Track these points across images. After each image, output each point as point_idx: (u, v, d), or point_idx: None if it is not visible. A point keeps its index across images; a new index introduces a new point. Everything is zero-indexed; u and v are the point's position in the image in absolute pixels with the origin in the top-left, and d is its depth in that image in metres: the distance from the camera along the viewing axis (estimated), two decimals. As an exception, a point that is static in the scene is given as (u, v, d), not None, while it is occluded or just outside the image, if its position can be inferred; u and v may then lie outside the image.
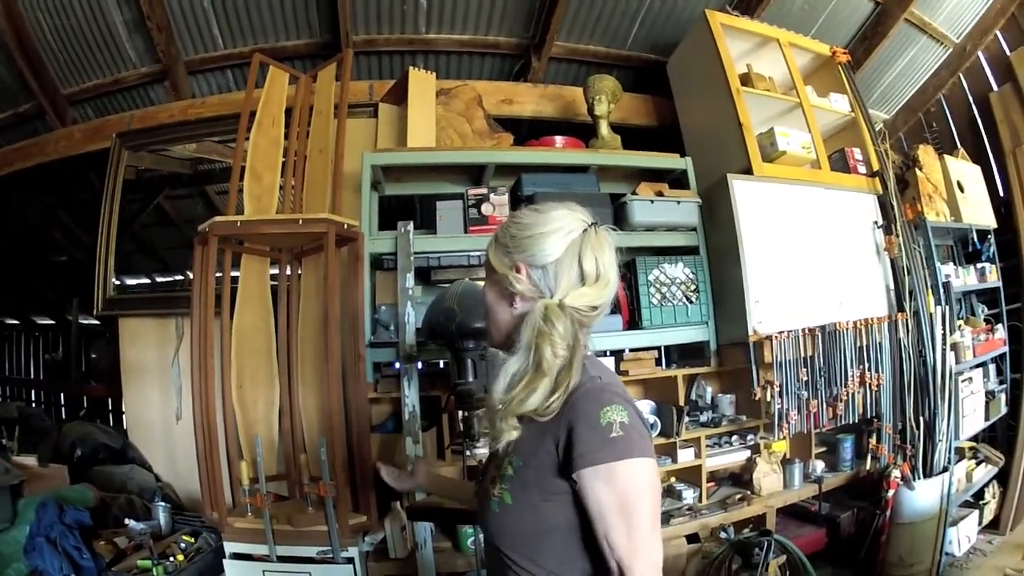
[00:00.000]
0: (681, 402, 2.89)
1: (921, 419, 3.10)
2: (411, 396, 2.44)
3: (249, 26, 3.47)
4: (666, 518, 2.75)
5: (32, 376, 7.16)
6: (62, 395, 6.25)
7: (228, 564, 2.36)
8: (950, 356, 3.22)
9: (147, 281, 3.91)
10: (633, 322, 2.90)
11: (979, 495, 3.54)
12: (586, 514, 0.95)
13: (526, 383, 0.98)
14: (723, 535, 2.73)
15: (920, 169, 3.59)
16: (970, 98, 4.28)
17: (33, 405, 6.13)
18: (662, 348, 3.05)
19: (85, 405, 5.48)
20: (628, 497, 0.92)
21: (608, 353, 2.85)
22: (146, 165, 3.76)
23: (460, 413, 2.25)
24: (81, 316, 5.76)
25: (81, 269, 4.45)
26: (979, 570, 3.10)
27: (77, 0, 3.27)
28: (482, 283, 1.18)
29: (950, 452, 3.14)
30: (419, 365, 2.53)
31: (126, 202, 3.60)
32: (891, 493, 2.97)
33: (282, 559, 2.32)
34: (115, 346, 3.70)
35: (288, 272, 2.78)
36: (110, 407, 5.29)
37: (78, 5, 3.30)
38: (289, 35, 3.54)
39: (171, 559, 2.41)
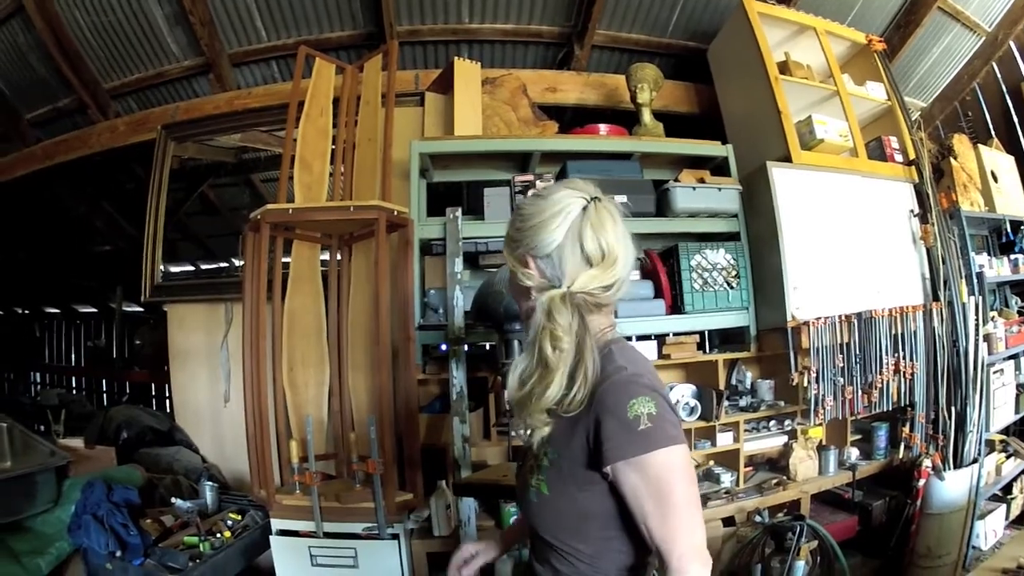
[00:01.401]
0: (721, 386, 2.91)
1: (953, 409, 3.08)
2: (459, 377, 2.48)
3: (292, 18, 3.53)
4: (703, 501, 2.76)
5: (73, 363, 7.29)
6: (104, 381, 6.37)
7: (275, 540, 2.42)
8: (982, 347, 3.18)
9: (191, 268, 3.98)
10: (676, 307, 2.92)
11: (1007, 489, 3.45)
12: (623, 500, 0.97)
13: (537, 379, 0.98)
14: (758, 519, 2.74)
15: (955, 158, 3.57)
16: (1003, 88, 4.25)
17: (74, 392, 6.26)
18: (706, 333, 3.08)
19: (127, 390, 5.59)
20: (662, 484, 0.93)
21: (652, 337, 2.88)
22: (189, 154, 3.83)
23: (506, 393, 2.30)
24: (125, 304, 5.86)
25: (125, 258, 4.57)
26: (993, 559, 3.07)
27: (116, -2, 3.32)
28: None
29: (980, 443, 3.11)
30: (466, 347, 2.57)
31: (170, 191, 3.67)
32: (922, 483, 2.95)
33: (328, 535, 2.38)
34: (160, 332, 3.78)
35: (338, 257, 2.85)
36: (153, 392, 5.42)
37: (116, 3, 3.37)
38: (333, 26, 3.59)
39: (217, 536, 2.42)
